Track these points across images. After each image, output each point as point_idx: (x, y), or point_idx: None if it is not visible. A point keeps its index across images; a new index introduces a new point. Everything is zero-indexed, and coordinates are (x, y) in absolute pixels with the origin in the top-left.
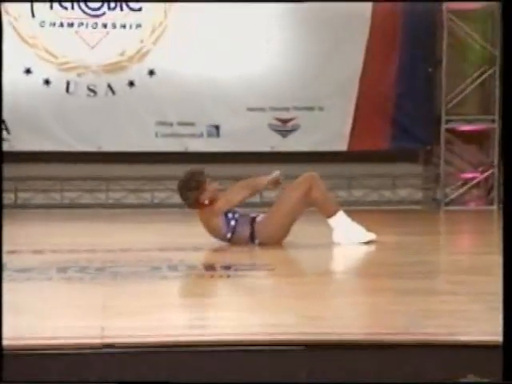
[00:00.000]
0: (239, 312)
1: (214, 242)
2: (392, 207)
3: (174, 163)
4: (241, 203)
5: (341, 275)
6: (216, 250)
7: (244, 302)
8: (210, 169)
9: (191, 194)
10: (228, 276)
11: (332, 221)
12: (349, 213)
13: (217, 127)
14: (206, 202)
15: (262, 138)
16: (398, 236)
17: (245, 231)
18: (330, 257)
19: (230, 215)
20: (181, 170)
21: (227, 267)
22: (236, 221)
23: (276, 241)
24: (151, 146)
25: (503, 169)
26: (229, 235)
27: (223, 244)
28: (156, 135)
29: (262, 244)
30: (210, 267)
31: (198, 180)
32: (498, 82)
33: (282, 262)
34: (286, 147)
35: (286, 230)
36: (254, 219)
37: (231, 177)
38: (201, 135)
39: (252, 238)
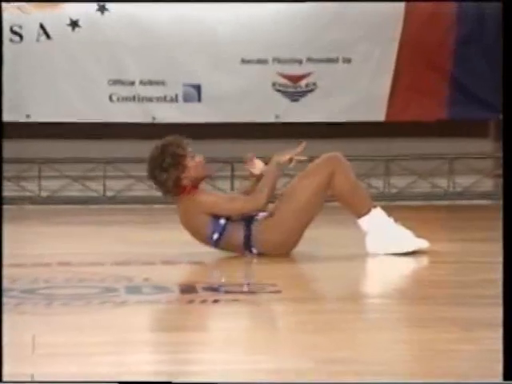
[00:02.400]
0: (231, 354)
1: (193, 252)
2: (449, 202)
3: (136, 140)
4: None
5: (376, 300)
6: (196, 264)
7: (238, 340)
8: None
9: (168, 175)
10: (215, 301)
11: (364, 222)
12: (387, 210)
13: (197, 88)
14: (188, 184)
15: (263, 104)
16: (457, 244)
17: (238, 235)
18: (360, 273)
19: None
20: (145, 149)
21: (213, 288)
22: (227, 219)
23: (282, 250)
24: (103, 116)
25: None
26: (215, 236)
27: (206, 256)
28: (110, 99)
29: (261, 254)
30: (188, 288)
31: (175, 153)
32: None
33: (291, 280)
34: (296, 116)
35: (297, 236)
36: (251, 219)
37: (217, 159)
38: (174, 99)
39: (248, 245)
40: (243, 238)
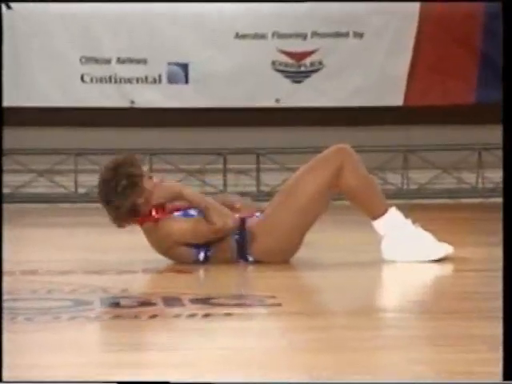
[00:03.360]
0: (223, 377)
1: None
2: (477, 200)
3: (112, 127)
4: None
5: (391, 314)
6: (183, 273)
7: (231, 361)
8: (172, 138)
9: (123, 202)
10: (204, 315)
11: (380, 224)
12: (405, 209)
13: (184, 67)
14: (145, 210)
15: (261, 86)
16: (486, 249)
17: (229, 244)
18: (373, 283)
19: (192, 213)
20: (123, 137)
21: (202, 301)
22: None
23: (281, 257)
24: (73, 99)
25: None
26: (201, 256)
27: (194, 264)
28: (82, 80)
29: (258, 262)
30: (173, 301)
31: (130, 174)
32: None
33: (292, 291)
34: (299, 100)
35: (298, 240)
36: (243, 221)
37: (207, 150)
38: (156, 80)
39: (242, 252)
40: (236, 245)
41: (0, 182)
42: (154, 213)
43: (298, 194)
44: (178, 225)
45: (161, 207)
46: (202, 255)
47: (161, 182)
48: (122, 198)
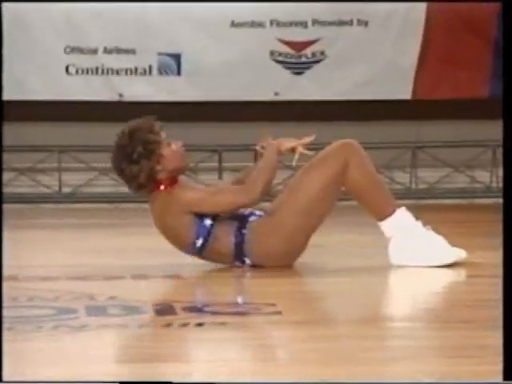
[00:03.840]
0: None
1: (170, 263)
2: (492, 200)
3: (98, 122)
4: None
5: (399, 323)
6: (174, 278)
7: (227, 373)
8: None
9: (139, 168)
10: (198, 325)
11: (387, 225)
12: (414, 210)
13: (176, 58)
14: (164, 177)
15: (259, 78)
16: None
17: (227, 241)
18: (380, 290)
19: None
20: (110, 133)
21: (195, 308)
22: (213, 219)
23: (282, 261)
24: (57, 92)
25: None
26: (199, 242)
27: (186, 268)
28: (66, 71)
29: (256, 266)
30: (164, 308)
31: (147, 140)
32: None
33: (293, 299)
34: (300, 93)
35: (301, 242)
36: (244, 220)
37: (201, 147)
38: (146, 72)
39: (239, 253)
40: (234, 244)
41: (0, 182)
42: (162, 187)
43: (301, 192)
44: (195, 190)
45: (174, 179)
46: (199, 241)
47: (181, 148)
48: (137, 166)
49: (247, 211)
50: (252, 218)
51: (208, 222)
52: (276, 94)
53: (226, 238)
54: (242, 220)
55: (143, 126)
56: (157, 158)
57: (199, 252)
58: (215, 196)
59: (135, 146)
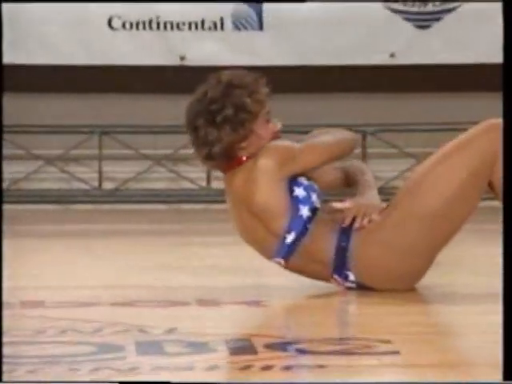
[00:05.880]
0: None
1: (245, 284)
2: None
3: (153, 95)
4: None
5: None
6: (253, 304)
7: None
8: None
9: (218, 135)
10: (285, 368)
11: None
12: None
13: (256, 8)
14: (243, 155)
15: (369, 35)
16: None
17: (326, 245)
18: None
19: (300, 189)
20: (166, 108)
21: (281, 345)
22: (313, 211)
23: (400, 283)
24: (97, 55)
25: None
26: (290, 237)
27: (267, 290)
28: (109, 26)
29: (364, 286)
30: (240, 345)
31: (244, 104)
32: None
33: (415, 334)
34: (425, 55)
35: (427, 259)
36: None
37: (291, 127)
38: (217, 26)
39: (341, 264)
40: (334, 251)
41: (0, 181)
42: (245, 158)
43: (429, 192)
44: (287, 142)
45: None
46: (291, 236)
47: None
48: (216, 131)
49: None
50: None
51: (305, 212)
52: (392, 55)
53: (325, 240)
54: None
55: (247, 83)
56: (245, 132)
57: (287, 253)
58: (318, 139)
59: (226, 104)
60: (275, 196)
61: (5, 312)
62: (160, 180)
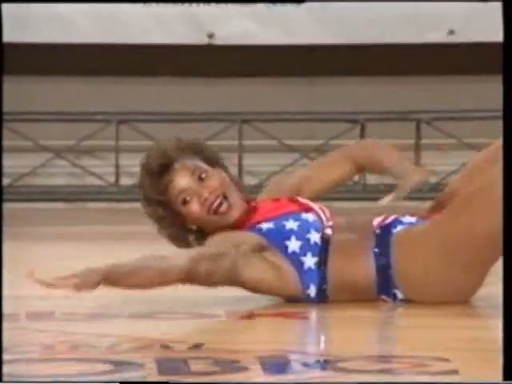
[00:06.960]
0: None
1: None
2: None
3: (178, 78)
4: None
5: None
6: (289, 316)
7: None
8: (277, 95)
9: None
10: None
11: None
12: None
13: None
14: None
15: (422, 10)
16: None
17: (362, 265)
18: None
19: (292, 241)
20: (196, 94)
21: (323, 363)
22: (322, 251)
23: (453, 295)
24: (114, 33)
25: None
26: (312, 291)
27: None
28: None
29: (413, 302)
30: (275, 362)
31: (151, 199)
32: None
33: (473, 349)
34: (489, 32)
35: (479, 271)
36: (384, 232)
37: (339, 115)
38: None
39: (385, 283)
40: (375, 272)
41: (0, 181)
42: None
43: (490, 197)
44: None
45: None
46: (313, 289)
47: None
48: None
49: (390, 218)
50: (398, 229)
51: (311, 260)
52: (451, 32)
53: (356, 265)
54: (382, 233)
55: (148, 175)
56: (177, 217)
57: (319, 299)
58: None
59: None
60: (262, 273)
61: (8, 325)
62: None
